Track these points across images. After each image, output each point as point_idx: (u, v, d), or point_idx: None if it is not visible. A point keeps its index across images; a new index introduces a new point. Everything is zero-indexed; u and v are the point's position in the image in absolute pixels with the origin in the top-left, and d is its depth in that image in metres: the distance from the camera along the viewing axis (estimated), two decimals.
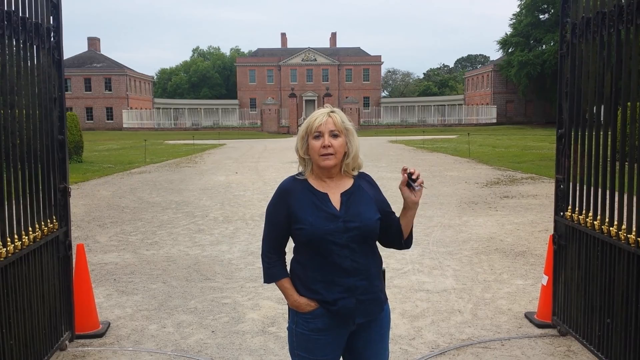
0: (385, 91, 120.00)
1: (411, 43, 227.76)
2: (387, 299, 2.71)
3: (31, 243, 4.16)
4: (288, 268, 2.69)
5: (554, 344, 4.85)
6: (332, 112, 2.57)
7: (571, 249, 4.87)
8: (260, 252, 2.72)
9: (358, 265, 2.53)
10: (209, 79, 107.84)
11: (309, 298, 2.56)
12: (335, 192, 2.59)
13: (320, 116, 2.55)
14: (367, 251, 2.57)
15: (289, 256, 2.68)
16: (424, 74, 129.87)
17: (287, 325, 2.73)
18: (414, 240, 2.78)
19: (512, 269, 7.16)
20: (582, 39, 4.65)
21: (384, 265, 2.73)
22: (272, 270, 2.65)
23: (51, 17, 4.69)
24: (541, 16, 72.03)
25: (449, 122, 79.95)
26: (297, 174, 2.65)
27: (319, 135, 2.52)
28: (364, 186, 2.64)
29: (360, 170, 2.70)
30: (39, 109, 4.44)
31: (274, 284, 2.70)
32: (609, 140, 4.27)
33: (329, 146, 2.50)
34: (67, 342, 4.87)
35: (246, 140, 51.25)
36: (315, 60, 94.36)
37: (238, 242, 8.95)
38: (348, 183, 2.62)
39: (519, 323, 5.32)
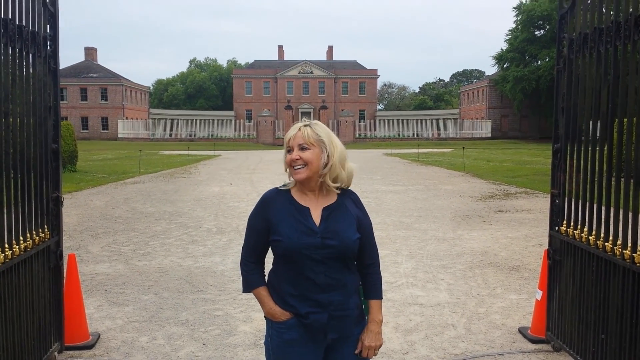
0: (381, 104, 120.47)
1: (407, 57, 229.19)
2: (365, 315, 2.69)
3: (22, 252, 4.11)
4: (267, 279, 2.69)
5: (547, 359, 4.82)
6: (304, 125, 2.57)
7: (566, 264, 4.85)
8: (240, 261, 2.72)
9: (332, 281, 2.52)
10: (205, 90, 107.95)
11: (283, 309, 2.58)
12: (317, 206, 2.57)
13: (292, 131, 2.58)
14: (343, 268, 2.56)
15: (268, 267, 2.68)
16: (419, 87, 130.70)
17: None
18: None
19: (506, 284, 7.14)
20: (579, 55, 4.66)
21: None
22: (249, 278, 2.65)
23: (48, 26, 4.68)
24: (537, 32, 72.64)
25: (444, 136, 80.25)
26: (281, 185, 2.66)
27: (290, 150, 2.56)
28: (348, 204, 2.62)
29: (345, 188, 2.67)
30: (34, 118, 4.42)
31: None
32: (605, 155, 4.27)
33: (297, 159, 2.52)
34: (56, 353, 4.81)
35: (242, 152, 51.26)
36: (312, 72, 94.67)
37: (231, 253, 8.89)
38: (331, 199, 2.60)
39: (513, 338, 5.29)
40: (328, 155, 2.54)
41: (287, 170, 2.60)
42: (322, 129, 2.58)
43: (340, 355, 2.63)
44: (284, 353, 2.58)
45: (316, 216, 2.55)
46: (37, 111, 4.48)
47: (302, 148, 2.52)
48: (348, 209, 2.60)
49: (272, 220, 2.55)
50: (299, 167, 2.52)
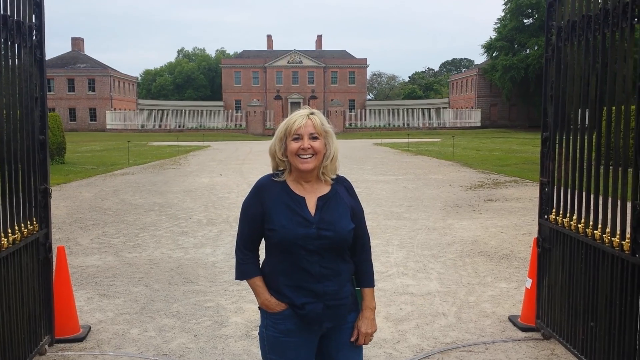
0: (370, 94, 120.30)
1: (397, 46, 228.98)
2: (358, 303, 2.70)
3: (10, 245, 4.08)
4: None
5: (537, 347, 4.86)
6: (311, 114, 2.54)
7: (555, 252, 4.88)
8: (235, 248, 2.68)
9: (327, 271, 2.52)
10: (194, 81, 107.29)
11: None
12: (312, 196, 2.55)
13: (299, 118, 2.52)
14: (337, 257, 2.55)
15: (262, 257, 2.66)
16: (409, 77, 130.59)
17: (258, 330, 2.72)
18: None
19: (496, 272, 7.17)
20: (568, 42, 4.66)
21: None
22: (245, 267, 2.61)
23: (33, 16, 4.61)
24: (525, 21, 72.63)
25: (434, 125, 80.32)
26: (273, 174, 2.62)
27: (298, 138, 2.50)
28: (341, 193, 2.61)
29: (339, 174, 2.67)
30: (20, 109, 4.37)
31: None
32: (594, 143, 4.28)
33: (308, 148, 2.48)
34: (46, 346, 4.78)
35: (231, 142, 51.07)
36: (301, 62, 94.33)
37: (222, 244, 8.88)
38: (326, 188, 2.59)
39: (503, 326, 5.32)
40: (328, 147, 2.54)
41: (285, 159, 2.55)
42: (324, 119, 2.57)
43: (335, 343, 2.64)
44: (280, 343, 2.57)
45: (311, 206, 2.53)
46: (24, 102, 4.43)
47: (314, 137, 2.49)
48: (342, 198, 2.59)
49: (267, 207, 2.51)
50: (308, 156, 2.48)
